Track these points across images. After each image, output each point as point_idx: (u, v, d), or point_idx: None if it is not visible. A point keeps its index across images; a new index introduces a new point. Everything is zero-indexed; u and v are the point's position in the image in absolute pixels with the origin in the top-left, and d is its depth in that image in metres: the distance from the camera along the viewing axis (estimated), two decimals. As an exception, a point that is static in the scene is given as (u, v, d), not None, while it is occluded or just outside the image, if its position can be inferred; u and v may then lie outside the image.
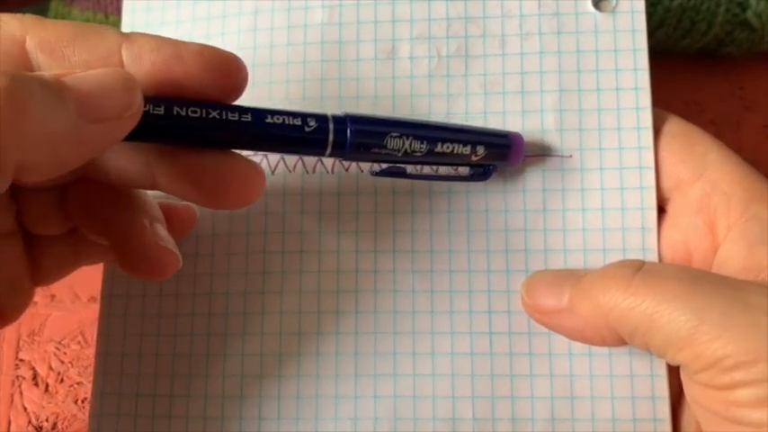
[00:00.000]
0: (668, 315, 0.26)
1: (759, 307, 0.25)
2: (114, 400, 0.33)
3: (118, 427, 0.33)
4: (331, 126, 0.28)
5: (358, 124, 0.29)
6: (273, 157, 0.33)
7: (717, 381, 0.25)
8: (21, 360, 0.39)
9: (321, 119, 0.28)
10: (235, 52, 0.34)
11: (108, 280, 0.34)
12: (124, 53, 0.26)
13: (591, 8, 0.33)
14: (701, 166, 0.31)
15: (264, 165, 0.33)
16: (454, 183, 0.33)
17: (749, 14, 0.39)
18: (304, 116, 0.28)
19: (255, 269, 0.33)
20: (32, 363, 0.39)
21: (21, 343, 0.40)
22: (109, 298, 0.34)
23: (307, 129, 0.28)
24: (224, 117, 0.27)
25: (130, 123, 0.25)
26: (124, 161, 0.28)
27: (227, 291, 0.33)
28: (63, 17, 0.44)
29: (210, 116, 0.26)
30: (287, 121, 0.28)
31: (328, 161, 0.33)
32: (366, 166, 0.33)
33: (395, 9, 0.34)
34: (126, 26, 0.35)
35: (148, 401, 0.33)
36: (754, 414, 0.25)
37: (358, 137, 0.29)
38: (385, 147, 0.29)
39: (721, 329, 0.25)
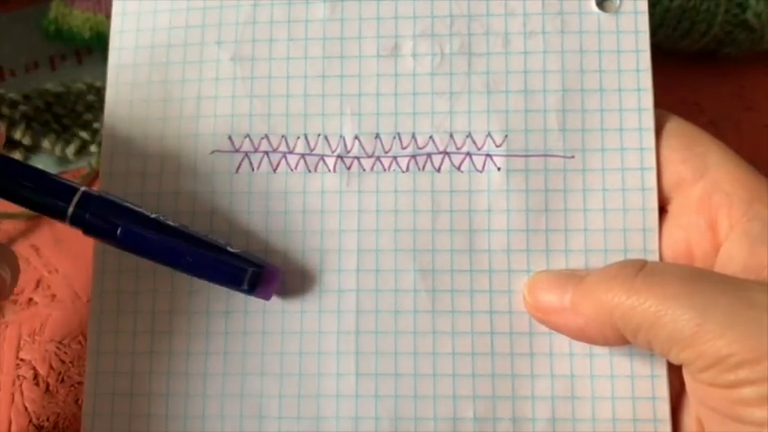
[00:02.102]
0: (672, 313, 0.26)
1: (762, 305, 0.25)
2: (108, 399, 0.33)
3: (112, 427, 0.32)
4: (75, 200, 0.30)
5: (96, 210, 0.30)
6: (275, 156, 0.33)
7: (720, 379, 0.25)
8: (21, 360, 0.39)
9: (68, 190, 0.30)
10: (232, 45, 0.34)
11: (98, 276, 0.33)
12: None
13: (594, 8, 0.33)
14: (702, 166, 0.31)
15: (265, 162, 0.33)
16: (457, 182, 0.33)
17: (749, 15, 0.39)
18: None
19: (257, 267, 0.33)
20: (33, 362, 0.39)
21: (21, 343, 0.39)
22: (100, 295, 0.33)
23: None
24: None
25: None
26: None
27: (227, 290, 0.33)
28: (64, 17, 0.44)
29: None
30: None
31: (330, 160, 0.33)
32: (368, 164, 0.33)
33: (398, 6, 0.34)
34: (115, 30, 0.35)
35: (143, 401, 0.32)
36: (757, 412, 0.25)
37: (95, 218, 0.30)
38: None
39: (725, 328, 0.25)
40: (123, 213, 0.31)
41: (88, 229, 0.31)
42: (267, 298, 0.32)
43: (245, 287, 0.31)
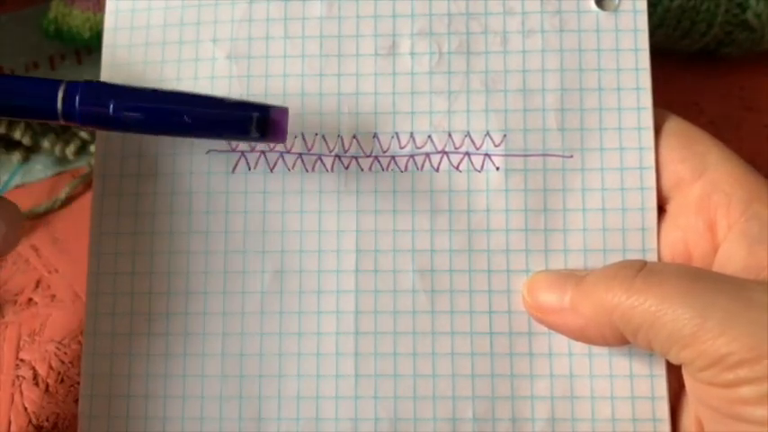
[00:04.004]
0: (671, 313, 0.26)
1: (762, 304, 0.25)
2: (104, 401, 0.32)
3: (109, 429, 0.32)
4: (60, 93, 0.29)
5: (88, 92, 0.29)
6: (271, 156, 0.33)
7: (720, 378, 0.25)
8: (21, 360, 0.39)
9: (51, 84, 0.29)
10: (228, 43, 0.34)
11: (93, 277, 0.33)
12: None
13: (593, 6, 0.33)
14: (701, 166, 0.31)
15: (262, 162, 0.33)
16: (456, 182, 0.33)
17: (749, 15, 0.40)
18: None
19: (254, 268, 0.33)
20: (33, 363, 0.39)
21: (21, 343, 0.39)
22: (95, 296, 0.33)
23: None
24: None
25: None
26: None
27: (224, 290, 0.33)
28: (64, 17, 0.44)
29: None
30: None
31: (328, 160, 0.33)
32: (366, 163, 0.33)
33: (395, 4, 0.34)
34: (109, 28, 0.35)
35: (140, 402, 0.32)
36: (757, 411, 0.25)
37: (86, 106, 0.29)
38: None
39: (725, 327, 0.25)
40: (113, 92, 0.29)
41: (82, 119, 0.29)
42: (282, 139, 0.30)
43: (255, 134, 0.29)
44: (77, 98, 0.29)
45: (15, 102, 0.30)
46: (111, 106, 0.29)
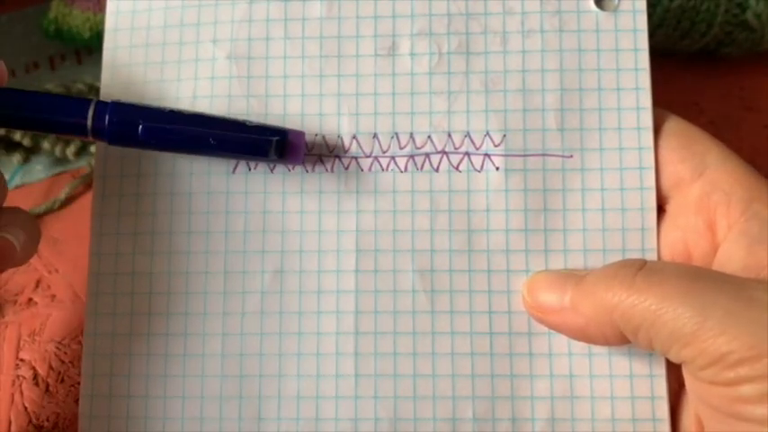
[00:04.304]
0: (672, 311, 0.26)
1: (762, 303, 0.25)
2: (105, 401, 0.32)
3: (109, 429, 0.32)
4: (90, 111, 0.31)
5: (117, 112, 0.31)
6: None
7: (721, 377, 0.26)
8: (21, 360, 0.39)
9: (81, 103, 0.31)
10: (228, 43, 0.34)
11: (93, 278, 0.33)
12: None
13: (593, 7, 0.33)
14: (701, 166, 0.31)
15: (262, 163, 0.33)
16: (455, 182, 0.33)
17: (748, 15, 0.39)
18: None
19: (254, 268, 0.33)
20: (33, 362, 0.39)
21: (21, 343, 0.39)
22: (95, 296, 0.33)
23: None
24: None
25: None
26: None
27: (224, 290, 0.33)
28: (64, 17, 0.44)
29: None
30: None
31: (328, 160, 0.33)
32: (365, 164, 0.33)
33: (395, 4, 0.34)
34: (109, 29, 0.35)
35: (140, 402, 0.32)
36: (757, 410, 0.25)
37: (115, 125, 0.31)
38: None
39: (725, 325, 0.25)
40: (140, 112, 0.31)
41: (111, 137, 0.31)
42: (299, 162, 0.32)
43: (274, 156, 0.31)
44: (107, 117, 0.31)
45: (47, 117, 0.31)
46: (141, 127, 0.31)
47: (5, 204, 0.32)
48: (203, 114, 0.32)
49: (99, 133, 0.31)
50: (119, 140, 0.31)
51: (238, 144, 0.31)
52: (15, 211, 0.32)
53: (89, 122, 0.31)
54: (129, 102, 0.31)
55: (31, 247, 0.32)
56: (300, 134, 0.32)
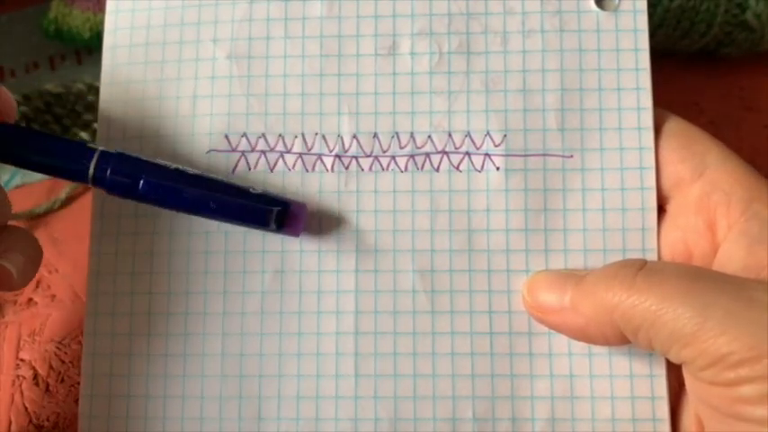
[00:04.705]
0: (672, 312, 0.26)
1: (762, 303, 0.25)
2: (104, 401, 0.32)
3: (109, 429, 0.32)
4: (94, 161, 0.31)
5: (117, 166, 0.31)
6: (272, 155, 0.33)
7: (721, 377, 0.26)
8: (21, 360, 0.39)
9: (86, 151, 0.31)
10: (228, 43, 0.34)
11: (93, 278, 0.33)
12: None
13: (593, 6, 0.33)
14: (701, 166, 0.31)
15: (263, 162, 0.33)
16: (455, 182, 0.33)
17: (748, 15, 0.39)
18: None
19: (253, 268, 0.33)
20: (33, 362, 0.39)
21: (21, 343, 0.39)
22: (95, 296, 0.33)
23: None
24: None
25: None
26: None
27: (224, 290, 0.33)
28: (64, 17, 0.44)
29: None
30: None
31: (328, 160, 0.33)
32: (366, 163, 0.33)
33: (395, 4, 0.34)
34: (109, 28, 0.35)
35: (140, 403, 0.32)
36: (757, 411, 0.25)
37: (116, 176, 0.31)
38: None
39: (726, 326, 0.25)
40: (143, 167, 0.31)
41: (110, 187, 0.31)
42: (296, 235, 0.32)
43: (273, 226, 0.31)
44: (109, 169, 0.31)
45: (49, 161, 0.31)
46: (141, 182, 0.31)
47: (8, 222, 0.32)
48: (207, 176, 0.32)
49: (99, 182, 0.31)
50: (118, 192, 0.31)
51: (239, 211, 0.31)
52: (16, 232, 0.32)
53: (91, 171, 0.31)
54: (134, 155, 0.31)
55: (32, 271, 0.32)
56: (302, 206, 0.32)
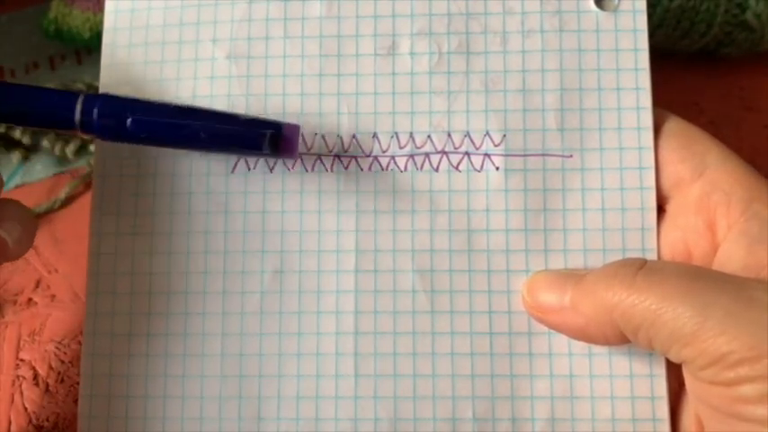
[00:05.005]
0: (672, 311, 0.26)
1: (762, 303, 0.25)
2: (104, 401, 0.32)
3: (108, 429, 0.32)
4: (79, 105, 0.30)
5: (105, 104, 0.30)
6: (272, 156, 0.33)
7: (721, 377, 0.26)
8: (21, 360, 0.39)
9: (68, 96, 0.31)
10: (228, 43, 0.34)
11: (93, 278, 0.33)
12: None
13: (593, 6, 0.33)
14: (701, 166, 0.31)
15: (261, 162, 0.33)
16: (456, 182, 0.33)
17: (748, 15, 0.39)
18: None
19: (253, 268, 0.33)
20: (33, 362, 0.39)
21: (21, 343, 0.39)
22: (95, 296, 0.33)
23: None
24: None
25: None
26: None
27: (224, 290, 0.33)
28: (64, 17, 0.44)
29: None
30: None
31: (327, 160, 0.33)
32: (365, 163, 0.33)
33: (395, 4, 0.34)
34: (108, 28, 0.35)
35: (140, 403, 0.32)
36: (757, 410, 0.25)
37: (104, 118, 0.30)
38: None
39: (725, 325, 0.25)
40: (130, 105, 0.31)
41: (99, 130, 0.31)
42: (293, 157, 0.32)
43: (267, 150, 0.30)
44: (96, 110, 0.30)
45: (35, 111, 0.31)
46: (129, 120, 0.30)
47: (2, 196, 0.32)
48: (195, 107, 0.31)
49: (88, 127, 0.30)
50: (108, 134, 0.31)
51: (230, 137, 0.31)
52: (10, 204, 0.32)
53: (77, 116, 0.30)
54: (119, 95, 0.31)
55: (27, 242, 0.32)
56: (295, 127, 0.31)
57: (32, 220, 0.32)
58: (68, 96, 0.31)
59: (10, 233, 0.31)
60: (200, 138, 0.30)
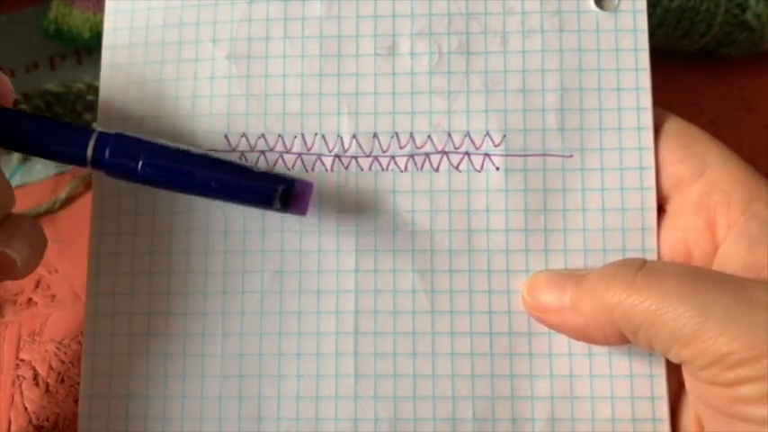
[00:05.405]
0: (672, 311, 0.26)
1: (762, 303, 0.25)
2: (104, 401, 0.32)
3: (108, 429, 0.32)
4: (92, 143, 0.30)
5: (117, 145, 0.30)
6: (271, 156, 0.33)
7: (721, 377, 0.25)
8: (21, 360, 0.39)
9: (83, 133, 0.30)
10: (227, 43, 0.34)
11: (93, 278, 0.33)
12: None
13: (593, 6, 0.33)
14: (701, 166, 0.31)
15: (262, 162, 0.33)
16: (455, 182, 0.33)
17: (748, 15, 0.39)
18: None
19: (253, 268, 0.33)
20: (33, 363, 0.39)
21: (21, 343, 0.39)
22: (95, 297, 0.33)
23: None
24: None
25: None
26: None
27: (224, 290, 0.33)
28: (64, 17, 0.44)
29: None
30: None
31: (327, 160, 0.33)
32: (365, 163, 0.33)
33: (395, 4, 0.34)
34: (108, 28, 0.35)
35: (140, 403, 0.32)
36: (757, 410, 0.25)
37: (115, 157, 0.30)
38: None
39: (725, 326, 0.25)
40: (143, 147, 0.30)
41: (110, 169, 0.30)
42: (303, 213, 0.31)
43: (278, 205, 0.30)
44: (108, 150, 0.30)
45: (47, 144, 0.31)
46: (140, 163, 0.30)
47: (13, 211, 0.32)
48: (209, 156, 0.31)
49: (98, 165, 0.30)
50: (118, 174, 0.31)
51: (241, 190, 0.30)
52: (22, 220, 0.31)
53: (89, 153, 0.30)
54: (133, 135, 0.31)
55: (35, 261, 0.31)
56: (308, 184, 0.31)
57: (43, 240, 0.32)
58: (82, 133, 0.31)
59: (19, 252, 0.30)
60: (211, 187, 0.30)
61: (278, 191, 0.30)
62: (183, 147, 0.31)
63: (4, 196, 0.30)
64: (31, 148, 0.31)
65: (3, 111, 0.31)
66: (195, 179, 0.30)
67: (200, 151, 0.31)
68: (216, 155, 0.31)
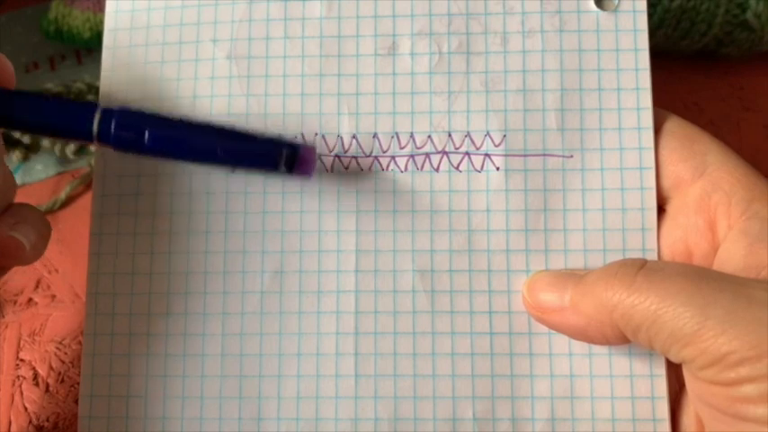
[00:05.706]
0: (673, 311, 0.26)
1: (762, 303, 0.25)
2: (104, 401, 0.32)
3: (108, 429, 0.32)
4: (97, 117, 0.30)
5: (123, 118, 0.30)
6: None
7: (721, 377, 0.25)
8: (21, 360, 0.39)
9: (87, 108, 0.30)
10: (228, 43, 0.34)
11: (93, 278, 0.33)
12: None
13: (593, 7, 0.33)
14: (702, 166, 0.31)
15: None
16: (456, 182, 0.33)
17: (748, 15, 0.40)
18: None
19: (253, 268, 0.33)
20: (33, 363, 0.39)
21: (21, 343, 0.39)
22: (94, 297, 0.33)
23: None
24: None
25: None
26: None
27: (224, 290, 0.33)
28: (63, 17, 0.44)
29: None
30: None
31: (327, 160, 0.33)
32: (365, 164, 0.33)
33: (395, 4, 0.34)
34: (109, 29, 0.35)
35: (140, 403, 0.32)
36: (758, 410, 0.25)
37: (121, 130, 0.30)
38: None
39: (726, 325, 0.25)
40: (148, 119, 0.30)
41: (116, 143, 0.30)
42: (309, 176, 0.31)
43: (283, 169, 0.30)
44: (113, 123, 0.30)
45: (52, 122, 0.30)
46: (147, 134, 0.30)
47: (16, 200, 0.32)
48: (213, 124, 0.31)
49: (104, 139, 0.30)
50: (124, 147, 0.30)
51: (247, 155, 0.31)
52: (26, 208, 0.32)
53: (95, 128, 0.30)
54: (137, 108, 0.31)
55: (42, 246, 0.32)
56: (311, 149, 0.31)
57: (47, 225, 0.32)
58: (87, 108, 0.30)
59: (27, 237, 0.30)
60: (217, 155, 0.30)
61: (283, 154, 0.30)
62: (185, 117, 0.31)
63: (7, 184, 0.31)
64: (38, 126, 0.31)
65: (7, 92, 0.30)
66: (202, 147, 0.30)
67: (203, 120, 0.31)
68: (218, 123, 0.31)
